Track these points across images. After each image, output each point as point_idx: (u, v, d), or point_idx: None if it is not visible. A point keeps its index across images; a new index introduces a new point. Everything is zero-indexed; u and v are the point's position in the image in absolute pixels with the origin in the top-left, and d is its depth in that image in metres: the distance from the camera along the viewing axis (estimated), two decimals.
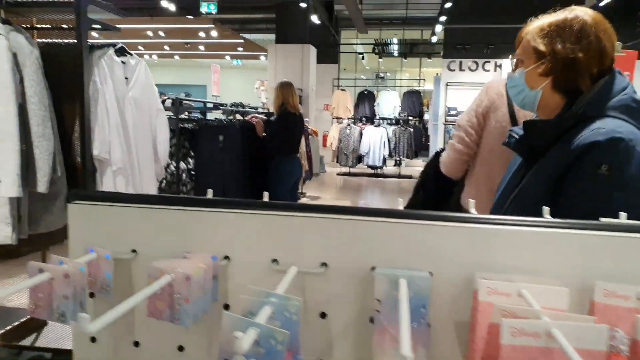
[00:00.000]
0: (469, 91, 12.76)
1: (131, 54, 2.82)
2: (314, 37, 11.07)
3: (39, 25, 2.75)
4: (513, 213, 1.19)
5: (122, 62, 2.71)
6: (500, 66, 12.34)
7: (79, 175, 2.45)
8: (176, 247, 0.84)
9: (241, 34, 12.13)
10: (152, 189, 2.85)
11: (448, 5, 7.68)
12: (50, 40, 2.64)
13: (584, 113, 1.12)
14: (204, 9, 8.10)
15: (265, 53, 13.41)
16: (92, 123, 2.44)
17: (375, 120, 12.12)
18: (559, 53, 1.15)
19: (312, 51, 10.79)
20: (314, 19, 8.93)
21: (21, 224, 2.21)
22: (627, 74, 2.84)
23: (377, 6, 11.95)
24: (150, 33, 10.98)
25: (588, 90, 1.14)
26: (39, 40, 2.61)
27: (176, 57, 16.68)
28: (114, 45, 2.71)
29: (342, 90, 12.59)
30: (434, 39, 10.84)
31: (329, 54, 12.96)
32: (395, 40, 17.10)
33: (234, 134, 3.89)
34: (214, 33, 10.63)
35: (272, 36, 12.07)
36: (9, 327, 2.78)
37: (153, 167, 2.87)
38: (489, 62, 12.55)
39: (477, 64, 12.68)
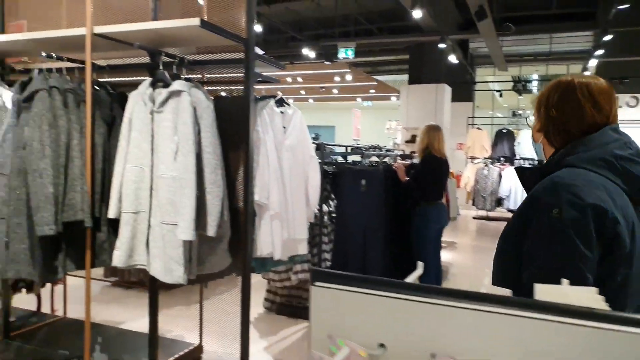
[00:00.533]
0: (626, 129, 11.35)
1: (289, 104, 2.97)
2: (448, 76, 10.86)
3: (207, 76, 3.04)
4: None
5: (281, 112, 2.86)
6: None
7: (240, 218, 2.58)
8: (430, 345, 0.73)
9: (373, 76, 12.40)
10: (303, 233, 2.91)
11: (607, 38, 6.99)
12: (221, 94, 2.89)
13: (546, 165, 1.27)
14: (341, 54, 8.44)
15: (397, 94, 13.51)
16: (254, 170, 2.57)
17: (515, 160, 11.33)
18: (541, 114, 1.34)
19: (447, 90, 10.58)
20: (452, 58, 8.77)
21: (191, 264, 2.37)
22: None
23: (517, 42, 11.37)
24: (289, 79, 11.78)
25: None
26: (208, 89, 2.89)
27: (310, 100, 17.58)
28: (274, 96, 2.88)
29: (478, 128, 12.06)
30: (587, 74, 9.89)
31: (463, 92, 12.60)
32: (535, 77, 16.06)
33: (376, 178, 3.86)
34: (348, 77, 11.01)
35: (404, 76, 12.13)
36: (174, 357, 2.98)
37: (305, 211, 2.94)
38: None
39: (637, 99, 11.29)
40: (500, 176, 10.62)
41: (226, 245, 2.53)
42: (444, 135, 4.20)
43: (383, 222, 3.86)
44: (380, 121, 14.77)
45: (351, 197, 3.93)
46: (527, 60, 12.54)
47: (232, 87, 3.10)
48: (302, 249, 2.95)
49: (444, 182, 4.09)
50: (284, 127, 2.86)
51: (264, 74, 2.97)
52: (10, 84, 2.93)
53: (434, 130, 4.07)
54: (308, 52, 8.65)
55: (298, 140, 2.90)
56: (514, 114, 17.77)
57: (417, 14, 5.79)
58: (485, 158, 11.44)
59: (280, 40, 11.24)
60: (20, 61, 3.54)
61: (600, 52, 7.71)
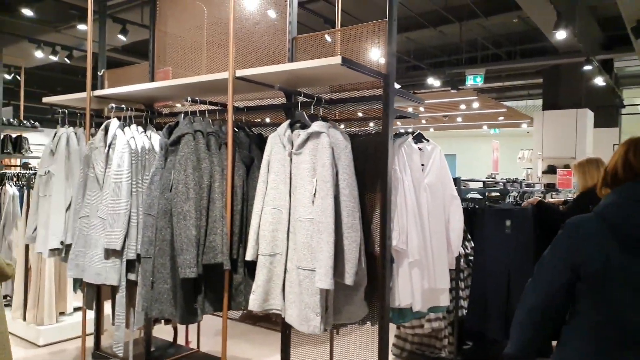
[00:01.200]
0: None
1: (427, 140, 2.75)
2: (589, 100, 9.76)
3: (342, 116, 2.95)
4: None
5: (419, 149, 2.65)
6: None
7: (377, 265, 2.39)
8: None
9: (502, 102, 11.63)
10: (445, 282, 2.62)
11: None
12: (357, 132, 2.77)
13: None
14: (469, 82, 8.01)
15: (527, 120, 12.52)
16: (392, 212, 2.38)
17: None
18: None
19: (589, 115, 9.49)
20: (598, 80, 7.84)
21: (327, 314, 2.23)
22: None
23: None
24: (410, 109, 11.52)
25: None
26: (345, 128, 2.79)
27: (431, 129, 17.10)
28: (412, 132, 2.68)
29: None
30: None
31: (606, 116, 11.24)
32: None
33: (525, 218, 3.42)
34: (475, 104, 10.45)
35: (535, 102, 11.19)
36: None
37: (447, 258, 2.66)
38: None
39: None
40: None
41: (363, 294, 2.35)
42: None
43: (531, 268, 3.38)
44: (510, 150, 13.76)
45: (494, 239, 3.52)
46: None
47: (366, 125, 2.97)
48: (444, 300, 2.66)
49: None
50: (422, 165, 2.64)
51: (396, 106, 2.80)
52: (158, 127, 3.13)
53: (591, 164, 3.52)
54: (433, 81, 8.36)
55: (438, 178, 2.66)
56: None
57: (560, 35, 5.23)
58: None
59: (400, 70, 11.10)
60: (166, 105, 3.83)
61: None
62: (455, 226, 2.71)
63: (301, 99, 2.48)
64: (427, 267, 2.51)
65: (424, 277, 2.48)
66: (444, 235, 2.67)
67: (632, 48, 7.37)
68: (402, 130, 2.69)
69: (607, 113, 11.19)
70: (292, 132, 2.37)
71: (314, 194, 2.18)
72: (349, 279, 2.15)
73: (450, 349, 3.86)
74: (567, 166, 8.58)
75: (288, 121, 2.41)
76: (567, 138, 9.24)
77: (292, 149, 2.31)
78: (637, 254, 1.28)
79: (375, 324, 2.53)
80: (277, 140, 2.37)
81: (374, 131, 2.73)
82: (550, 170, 8.82)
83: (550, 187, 5.60)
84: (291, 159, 2.31)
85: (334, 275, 2.13)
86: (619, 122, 12.01)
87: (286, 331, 2.82)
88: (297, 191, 2.26)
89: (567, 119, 9.29)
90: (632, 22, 5.38)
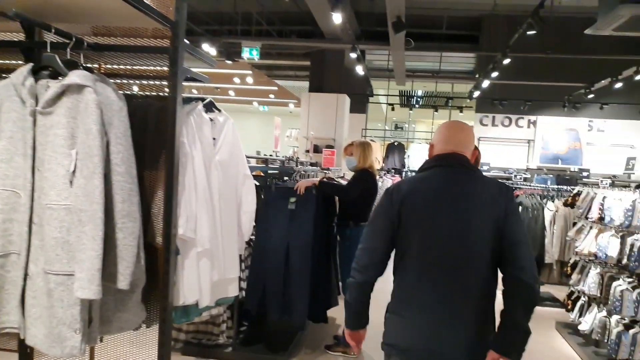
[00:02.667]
0: (501, 147, 12.39)
1: (220, 110, 2.38)
2: (347, 86, 10.83)
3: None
4: None
5: (210, 120, 2.27)
6: (534, 123, 12.01)
7: (158, 259, 1.94)
8: None
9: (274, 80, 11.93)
10: (235, 271, 2.34)
11: (507, 61, 7.41)
12: (132, 92, 2.21)
13: None
14: (245, 54, 7.83)
15: (295, 100, 13.22)
16: (179, 195, 1.96)
17: (403, 172, 11.69)
18: None
19: (347, 101, 10.51)
20: (359, 69, 8.64)
21: (91, 327, 1.69)
22: None
23: (408, 57, 11.79)
24: None
25: None
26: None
27: None
28: (202, 99, 2.28)
29: (372, 140, 12.26)
30: (476, 93, 10.53)
31: (358, 103, 12.72)
32: (419, 92, 16.91)
33: (307, 195, 3.40)
34: (249, 79, 10.39)
35: (301, 83, 11.85)
36: None
37: (237, 243, 2.37)
38: (522, 118, 12.24)
39: (510, 119, 12.36)
40: None
41: (139, 296, 1.88)
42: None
43: (310, 243, 3.40)
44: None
45: (277, 218, 3.41)
46: (418, 76, 13.08)
47: (147, 86, 2.40)
48: (233, 290, 2.39)
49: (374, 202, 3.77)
50: (214, 139, 2.27)
51: None
52: None
53: (369, 146, 3.74)
54: (208, 48, 7.89)
55: (230, 155, 2.34)
56: (396, 127, 18.61)
57: (337, 18, 5.46)
58: (378, 170, 11.64)
59: None
60: None
61: (495, 74, 8.16)
62: (247, 209, 2.44)
63: (52, 36, 1.80)
64: (217, 257, 2.18)
65: (214, 268, 2.15)
66: (236, 219, 2.37)
67: (383, 43, 8.35)
68: (189, 96, 2.26)
69: (359, 100, 12.66)
70: (36, 81, 1.69)
71: (73, 171, 1.59)
72: (123, 282, 1.66)
73: (229, 333, 3.65)
74: (329, 146, 9.34)
75: (29, 65, 1.72)
76: (329, 120, 10.05)
77: (36, 105, 1.65)
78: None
79: (151, 325, 2.10)
80: (12, 92, 1.66)
81: (155, 94, 2.20)
82: (315, 149, 9.47)
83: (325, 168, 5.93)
84: (35, 121, 1.65)
85: (103, 279, 1.61)
86: (367, 109, 13.76)
87: (27, 350, 2.11)
88: (46, 167, 1.62)
89: (329, 102, 10.09)
90: (393, 17, 6.02)
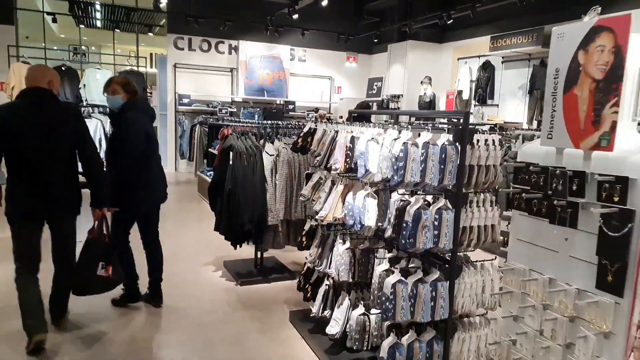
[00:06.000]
0: (201, 75, 10.68)
1: None
2: None
3: None
4: None
5: None
6: (235, 49, 10.67)
7: None
8: None
9: None
10: None
11: None
12: None
13: None
14: None
15: None
16: None
17: (82, 107, 8.76)
18: None
19: None
20: None
21: None
22: None
23: None
24: None
25: None
26: None
27: None
28: None
29: (24, 62, 8.66)
30: (164, 4, 8.24)
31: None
32: (98, 7, 13.31)
33: None
34: None
35: None
36: None
37: None
38: (223, 42, 10.73)
39: (209, 43, 10.68)
40: None
41: None
42: None
43: None
44: None
45: None
46: None
47: None
48: None
49: None
50: None
51: None
52: None
53: None
54: None
55: None
56: (75, 52, 14.53)
57: None
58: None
59: None
60: None
61: None
62: None
63: None
64: None
65: None
66: None
67: None
68: None
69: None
70: None
71: None
72: None
73: None
74: None
75: None
76: None
77: None
78: None
79: None
80: None
81: None
82: None
83: None
84: None
85: None
86: (15, 19, 9.72)
87: None
88: None
89: None
90: None
